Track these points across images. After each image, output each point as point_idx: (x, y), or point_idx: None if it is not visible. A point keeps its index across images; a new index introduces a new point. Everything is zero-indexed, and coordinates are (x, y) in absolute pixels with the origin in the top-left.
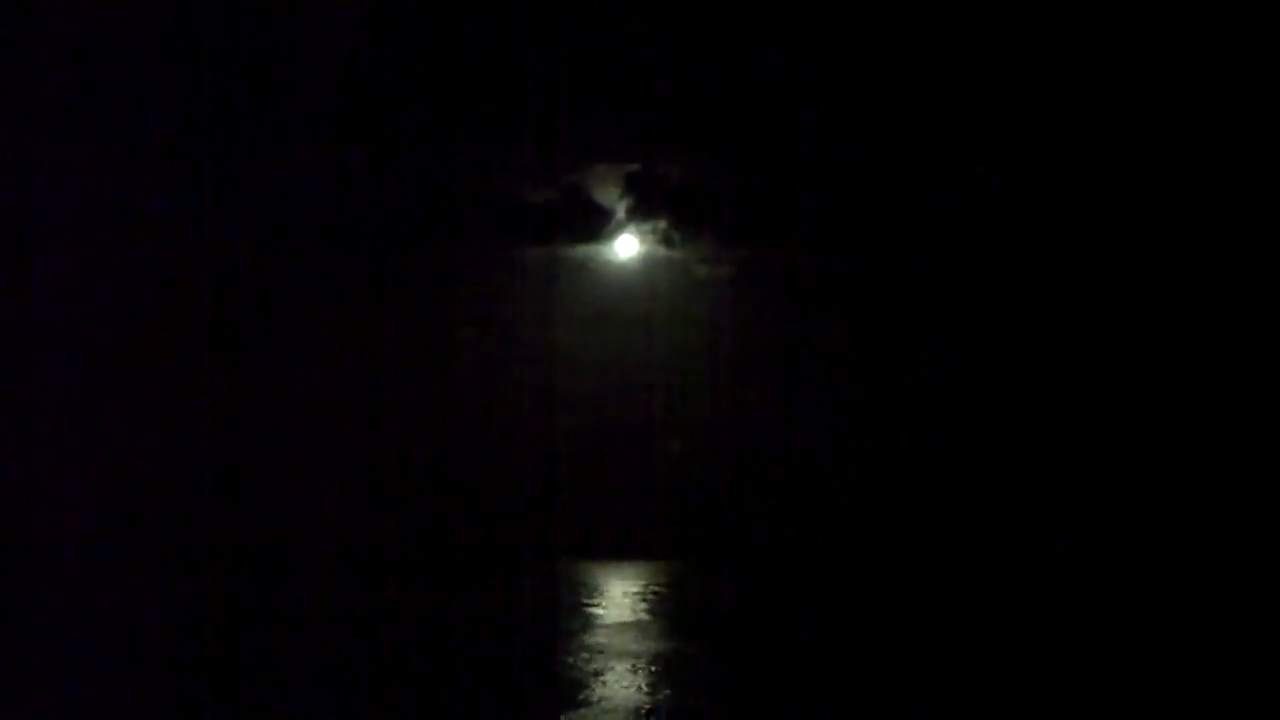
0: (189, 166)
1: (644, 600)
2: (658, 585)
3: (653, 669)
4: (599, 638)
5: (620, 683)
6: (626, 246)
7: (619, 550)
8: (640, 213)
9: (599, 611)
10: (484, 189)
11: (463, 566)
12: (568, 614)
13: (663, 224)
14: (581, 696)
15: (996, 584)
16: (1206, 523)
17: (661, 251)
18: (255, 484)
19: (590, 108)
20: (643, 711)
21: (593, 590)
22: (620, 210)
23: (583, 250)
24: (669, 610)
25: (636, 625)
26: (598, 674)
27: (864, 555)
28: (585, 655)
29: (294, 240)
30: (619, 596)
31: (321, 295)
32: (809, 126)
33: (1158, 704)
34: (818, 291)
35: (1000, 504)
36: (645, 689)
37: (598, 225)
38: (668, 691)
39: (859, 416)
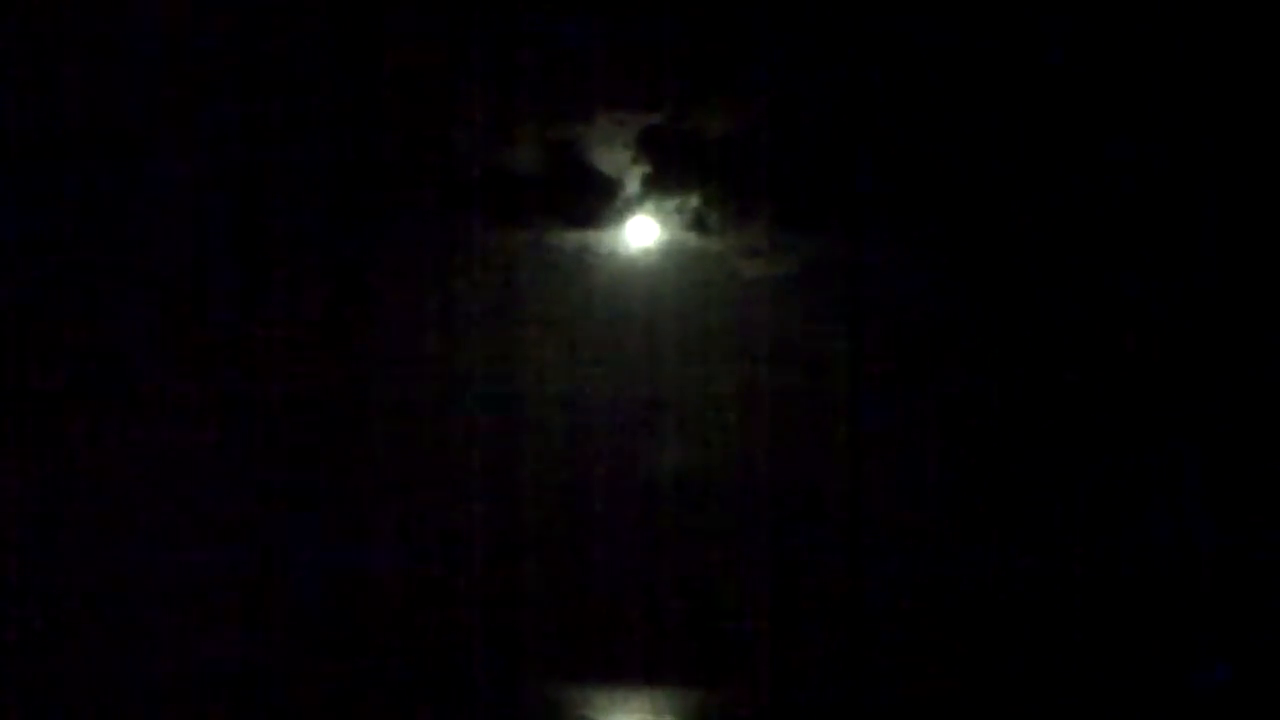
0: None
1: None
2: None
3: None
4: None
5: None
6: (641, 233)
7: (618, 667)
8: (663, 184)
9: None
10: (433, 147)
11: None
12: None
13: (694, 200)
14: None
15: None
16: None
17: (693, 240)
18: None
19: (590, 28)
20: None
21: None
22: (632, 180)
23: (577, 238)
24: None
25: None
26: None
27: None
28: None
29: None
30: None
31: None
32: (908, 51)
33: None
34: (915, 297)
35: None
36: None
37: (600, 202)
38: None
39: (967, 476)
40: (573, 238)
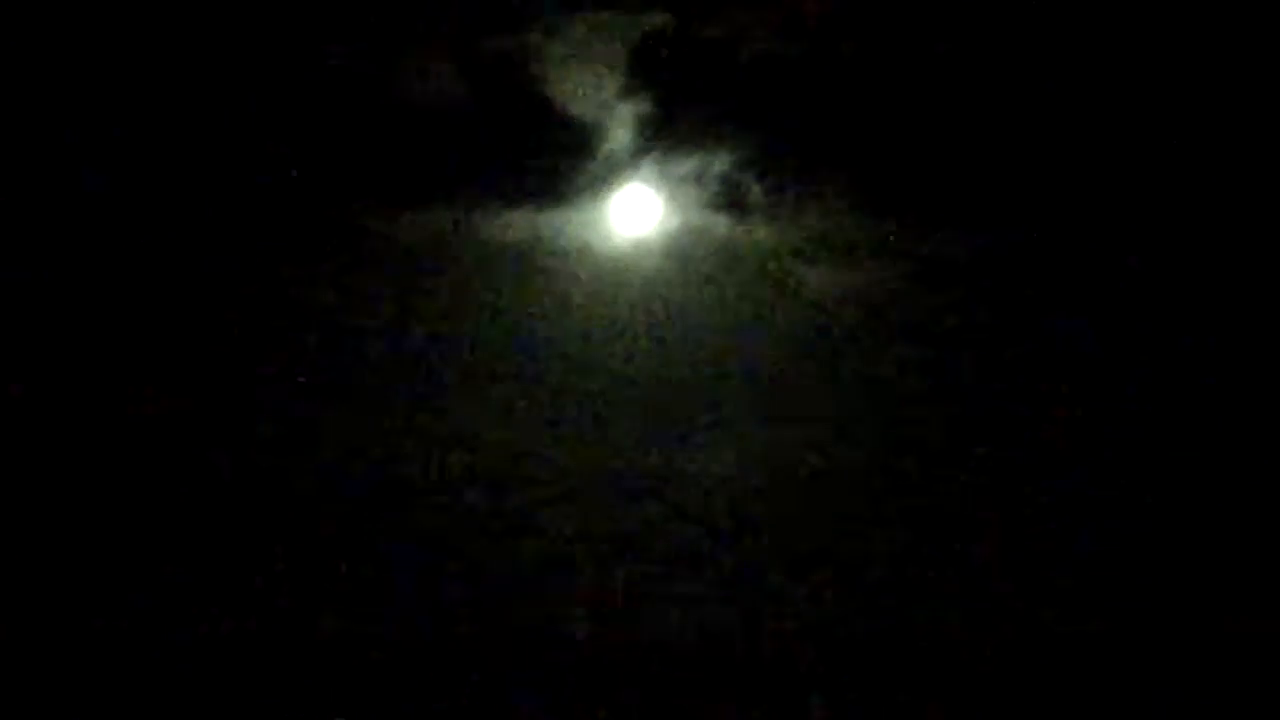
0: None
1: None
2: None
3: None
4: None
5: None
6: (637, 213)
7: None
8: (671, 135)
9: None
10: (319, 74)
11: None
12: None
13: (722, 164)
14: None
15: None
16: None
17: (720, 227)
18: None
19: None
20: None
21: None
22: (620, 126)
23: (537, 221)
24: None
25: None
26: None
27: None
28: None
29: None
30: None
31: None
32: None
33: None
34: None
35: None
36: None
37: (571, 163)
38: None
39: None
40: (519, 223)
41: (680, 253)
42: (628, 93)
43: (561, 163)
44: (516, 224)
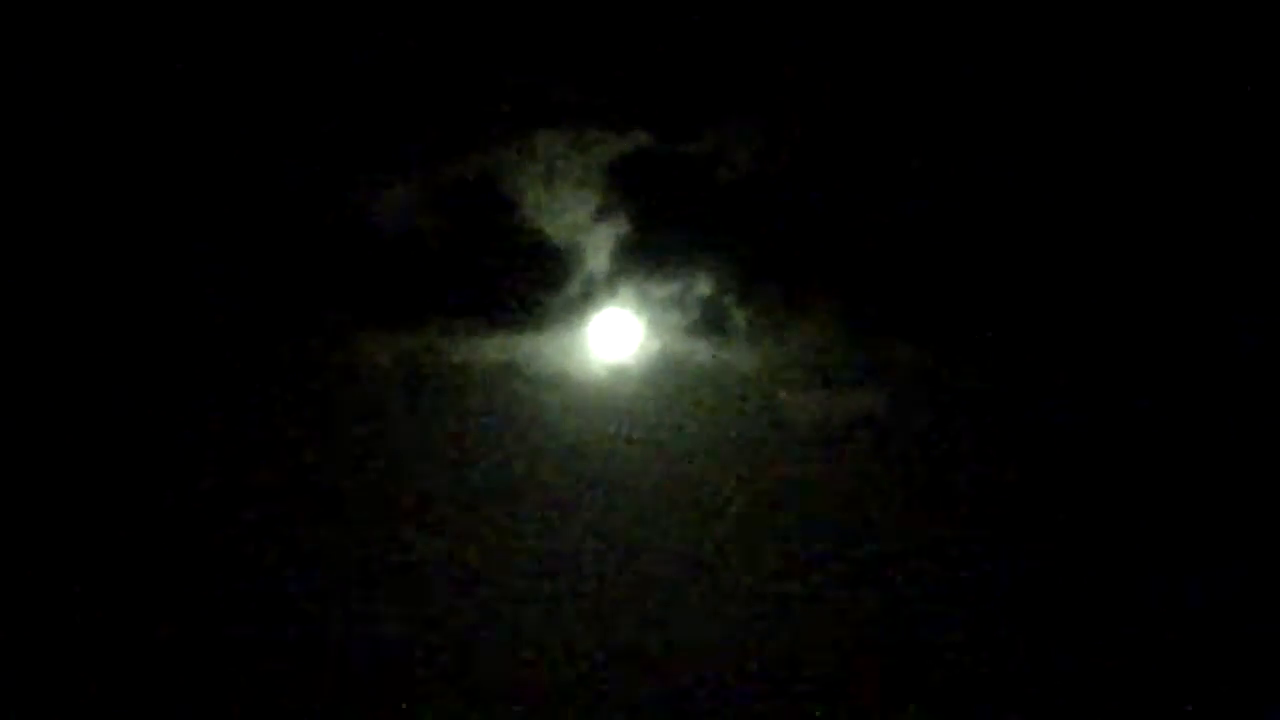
0: None
1: None
2: None
3: None
4: None
5: None
6: (616, 338)
7: None
8: (650, 254)
9: None
10: (282, 196)
11: None
12: None
13: (704, 287)
14: None
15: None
16: None
17: (700, 352)
18: None
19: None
20: None
21: None
22: (599, 247)
23: (510, 345)
24: None
25: None
26: None
27: None
28: None
29: None
30: None
31: None
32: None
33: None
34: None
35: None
36: None
37: (546, 285)
38: None
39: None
40: (491, 347)
41: (660, 379)
42: (605, 212)
43: (536, 285)
44: (489, 348)
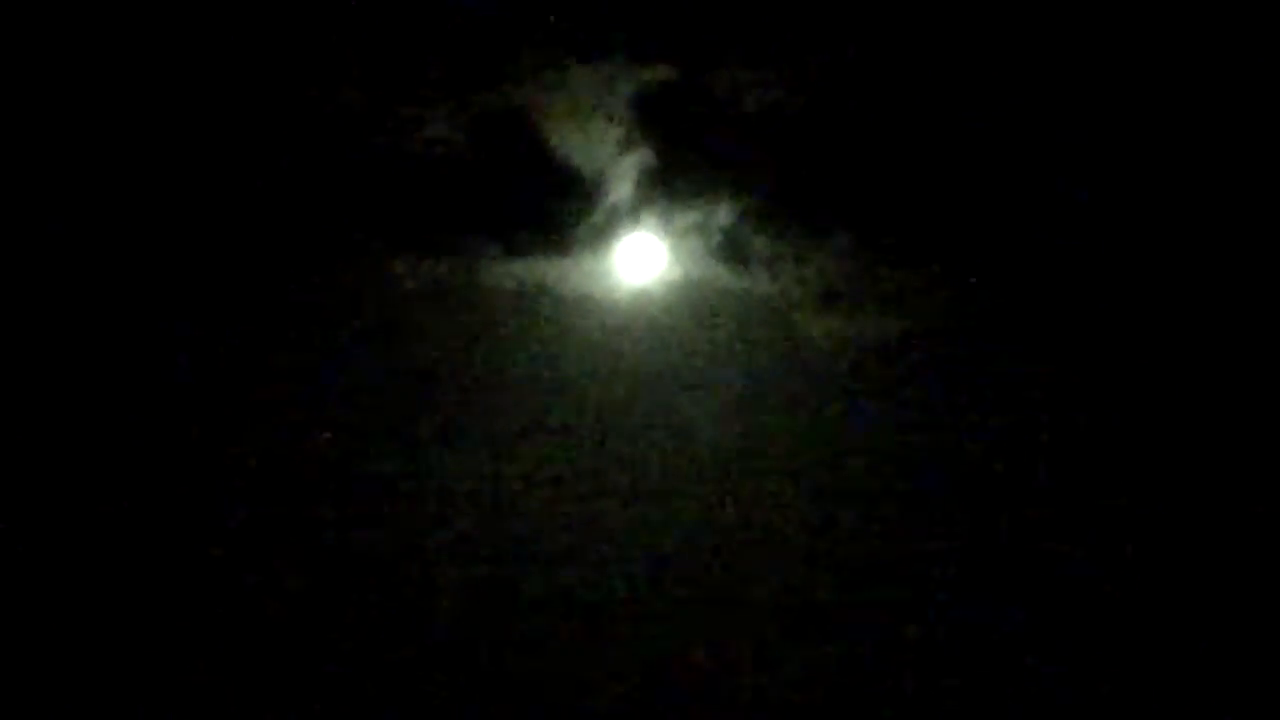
0: None
1: None
2: None
3: None
4: None
5: None
6: (641, 262)
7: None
8: (674, 185)
9: None
10: (321, 124)
11: None
12: None
13: (724, 215)
14: None
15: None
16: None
17: (723, 277)
18: None
19: None
20: None
21: None
22: (623, 176)
23: (541, 269)
24: None
25: None
26: None
27: None
28: None
29: None
30: None
31: None
32: None
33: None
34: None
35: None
36: None
37: (574, 213)
38: None
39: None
40: (522, 271)
41: (682, 303)
42: (630, 144)
43: (565, 212)
44: (520, 272)
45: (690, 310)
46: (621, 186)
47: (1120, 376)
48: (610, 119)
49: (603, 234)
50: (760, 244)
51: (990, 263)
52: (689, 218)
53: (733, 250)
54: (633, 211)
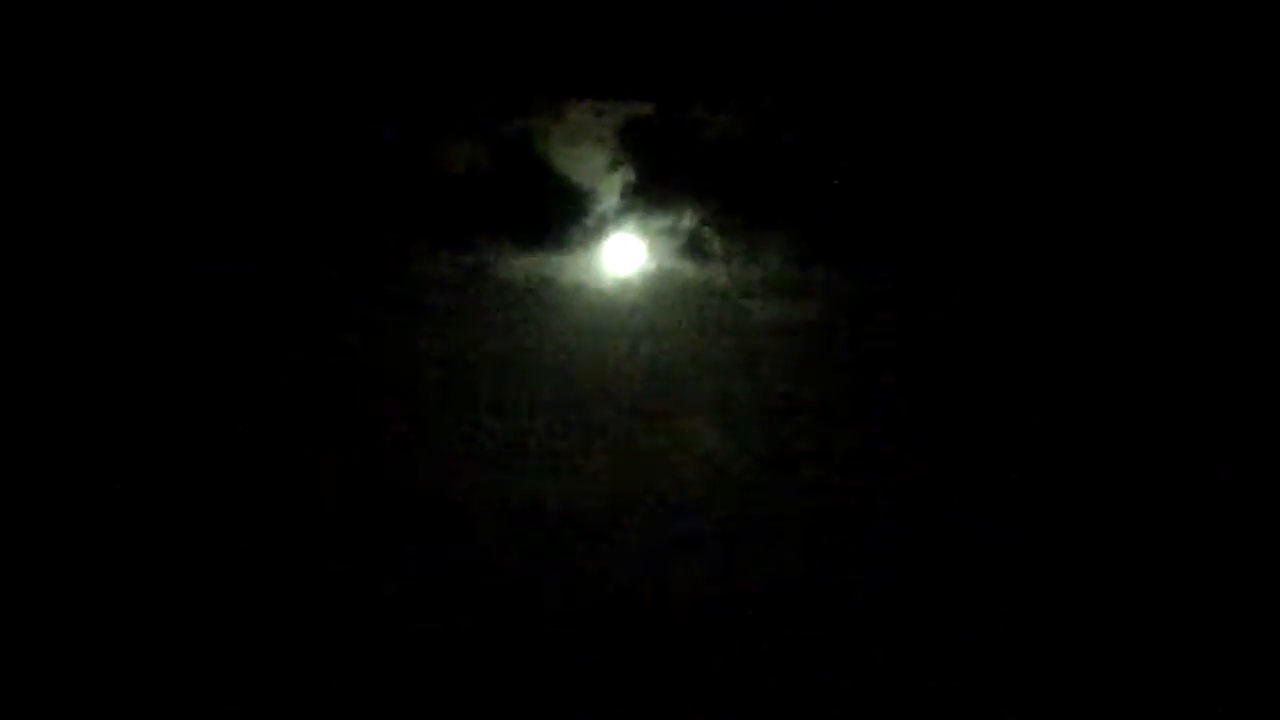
0: None
1: None
2: None
3: None
4: None
5: None
6: (623, 258)
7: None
8: (650, 196)
9: None
10: (362, 148)
11: None
12: None
13: (692, 219)
14: None
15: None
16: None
17: (688, 270)
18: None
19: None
20: None
21: None
22: (610, 189)
23: (543, 263)
24: None
25: None
26: None
27: None
28: None
29: None
30: None
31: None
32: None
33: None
34: (970, 355)
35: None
36: None
37: (566, 217)
38: None
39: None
40: (528, 265)
41: (655, 291)
42: (616, 164)
43: (563, 217)
44: (527, 265)
45: (662, 296)
46: (608, 198)
47: (1042, 347)
48: (600, 144)
49: (593, 235)
50: (717, 244)
51: (899, 257)
52: (661, 222)
53: (695, 248)
54: (617, 217)
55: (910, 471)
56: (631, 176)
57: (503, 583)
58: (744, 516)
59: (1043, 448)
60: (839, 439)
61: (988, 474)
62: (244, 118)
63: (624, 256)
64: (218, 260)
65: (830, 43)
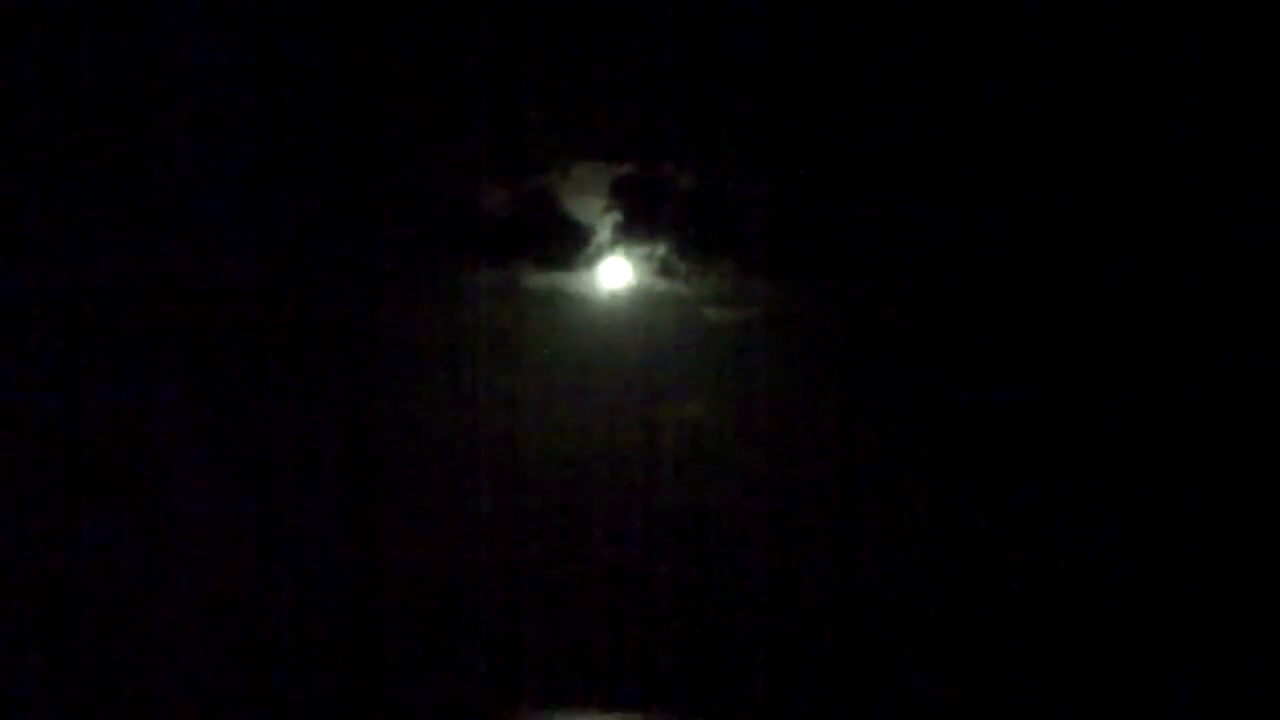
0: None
1: None
2: None
3: None
4: None
5: None
6: (614, 275)
7: (602, 695)
8: (633, 231)
9: None
10: (427, 194)
11: None
12: None
13: (663, 248)
14: None
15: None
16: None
17: (661, 285)
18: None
19: (566, 85)
20: None
21: None
22: (604, 227)
23: (556, 278)
24: None
25: None
26: None
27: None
28: None
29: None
30: None
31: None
32: (864, 115)
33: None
34: (872, 344)
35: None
36: None
37: (573, 246)
38: None
39: (923, 518)
40: (545, 279)
41: (639, 301)
42: (608, 208)
43: (571, 245)
44: (543, 280)
45: (642, 304)
46: (604, 232)
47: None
48: (597, 193)
49: (593, 259)
50: (683, 266)
51: (819, 273)
52: (642, 250)
53: (666, 268)
54: (610, 246)
55: (835, 434)
56: (619, 217)
57: (526, 518)
58: (709, 464)
59: (955, 422)
60: (778, 410)
61: (900, 438)
62: (343, 174)
63: (614, 274)
64: (322, 268)
65: (759, 119)
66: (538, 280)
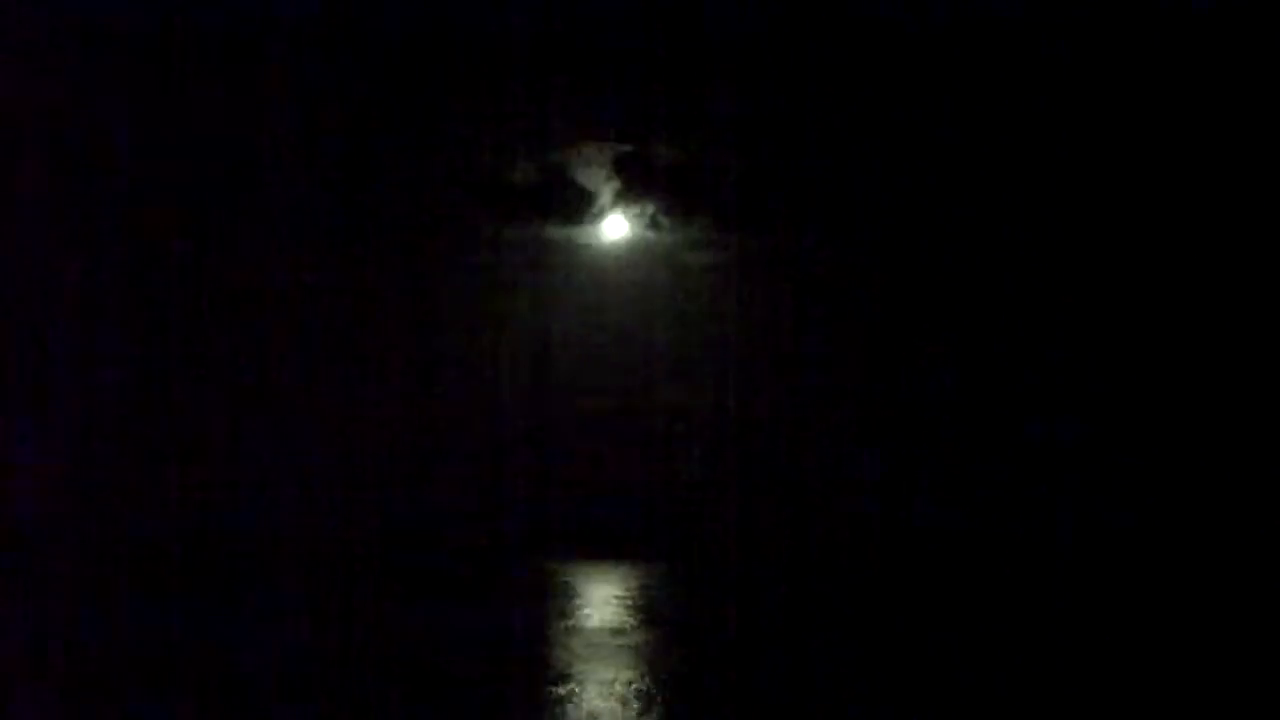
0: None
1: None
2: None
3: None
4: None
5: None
6: (615, 229)
7: (612, 550)
8: (629, 195)
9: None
10: (469, 168)
11: (445, 566)
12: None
13: (652, 208)
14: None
15: (1000, 583)
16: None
17: (650, 236)
18: (232, 479)
19: (579, 84)
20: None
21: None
22: (607, 193)
23: (570, 232)
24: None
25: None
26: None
27: (865, 557)
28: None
29: (268, 223)
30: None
31: (299, 282)
32: (813, 101)
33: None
34: (819, 282)
35: (1006, 500)
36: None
37: (584, 207)
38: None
39: (864, 415)
40: (562, 232)
41: (635, 250)
42: (609, 177)
43: (581, 206)
44: (560, 233)
45: (635, 252)
46: (606, 196)
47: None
48: (600, 166)
49: (598, 216)
50: (666, 222)
51: (780, 225)
52: (636, 210)
53: (654, 223)
54: (611, 206)
55: (784, 344)
56: (618, 184)
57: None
58: (689, 365)
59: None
60: (742, 332)
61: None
62: (381, 153)
63: (614, 228)
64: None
65: (729, 111)
66: (556, 233)
